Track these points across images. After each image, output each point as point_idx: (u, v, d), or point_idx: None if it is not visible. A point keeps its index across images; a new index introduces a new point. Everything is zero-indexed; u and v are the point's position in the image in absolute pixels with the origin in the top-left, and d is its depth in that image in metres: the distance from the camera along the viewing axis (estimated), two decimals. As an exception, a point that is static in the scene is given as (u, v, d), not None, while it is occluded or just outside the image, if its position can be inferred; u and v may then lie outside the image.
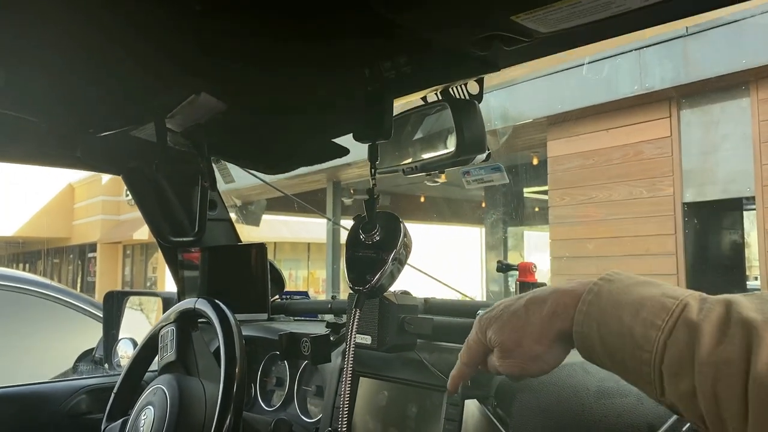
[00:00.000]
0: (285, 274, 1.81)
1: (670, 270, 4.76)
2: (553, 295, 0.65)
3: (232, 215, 1.91)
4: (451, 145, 1.05)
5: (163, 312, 1.36)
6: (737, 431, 0.49)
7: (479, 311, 0.74)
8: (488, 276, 8.56)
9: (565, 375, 0.89)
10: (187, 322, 1.26)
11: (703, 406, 0.51)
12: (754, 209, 4.50)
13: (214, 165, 1.63)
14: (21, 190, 17.33)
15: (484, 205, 8.34)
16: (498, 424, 0.87)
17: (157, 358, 1.29)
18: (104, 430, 1.28)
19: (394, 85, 1.00)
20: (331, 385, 1.23)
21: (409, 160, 1.15)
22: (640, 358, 0.56)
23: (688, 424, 0.81)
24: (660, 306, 0.56)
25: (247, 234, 8.65)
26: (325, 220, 11.21)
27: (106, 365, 1.82)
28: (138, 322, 1.94)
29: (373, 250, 0.96)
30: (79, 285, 20.06)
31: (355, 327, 0.94)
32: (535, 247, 8.52)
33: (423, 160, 1.13)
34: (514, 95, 5.61)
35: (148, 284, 17.42)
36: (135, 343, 1.75)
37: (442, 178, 1.24)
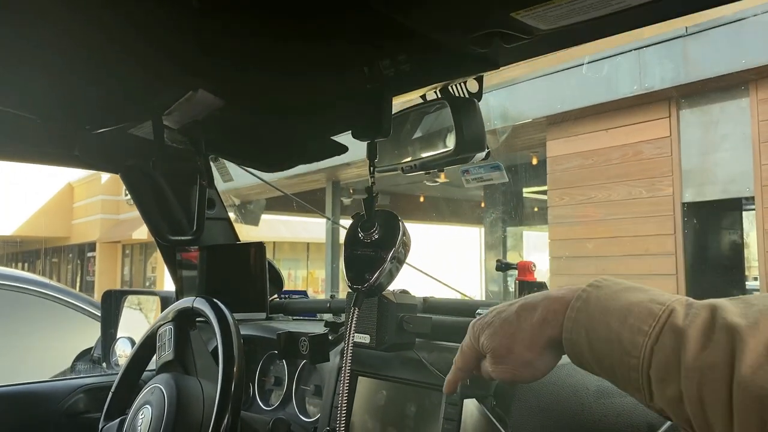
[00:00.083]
0: (284, 274, 1.80)
1: (670, 270, 4.77)
2: (544, 302, 0.65)
3: (231, 215, 1.91)
4: (451, 143, 1.05)
5: (162, 311, 1.36)
6: None
7: (478, 310, 0.74)
8: (487, 275, 8.56)
9: (564, 374, 0.88)
10: (185, 321, 1.25)
11: (690, 411, 0.52)
12: (754, 209, 4.50)
13: (212, 164, 1.63)
14: (20, 189, 17.33)
15: (483, 205, 8.35)
16: (497, 423, 0.86)
17: (155, 357, 1.29)
18: (102, 429, 1.27)
19: (394, 83, 1.00)
20: (329, 384, 1.22)
21: (408, 159, 1.15)
22: (628, 364, 0.56)
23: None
24: (647, 312, 0.56)
25: (246, 233, 8.65)
26: (324, 220, 11.21)
27: (104, 364, 1.82)
28: (136, 321, 1.94)
29: (372, 248, 0.95)
30: (78, 284, 20.08)
31: (353, 326, 0.93)
32: (534, 247, 8.53)
33: (422, 158, 1.12)
34: (514, 95, 5.61)
35: (147, 284, 17.43)
36: (133, 342, 1.74)
37: (442, 178, 1.23)
